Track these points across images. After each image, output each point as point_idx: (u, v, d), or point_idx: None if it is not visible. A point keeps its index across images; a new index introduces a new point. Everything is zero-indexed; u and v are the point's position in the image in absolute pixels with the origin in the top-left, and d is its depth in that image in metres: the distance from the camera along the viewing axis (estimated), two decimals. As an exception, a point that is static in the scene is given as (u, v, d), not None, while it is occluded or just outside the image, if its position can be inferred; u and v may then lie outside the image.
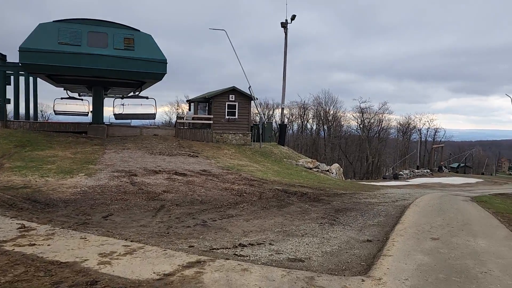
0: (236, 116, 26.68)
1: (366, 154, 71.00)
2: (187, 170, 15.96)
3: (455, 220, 9.70)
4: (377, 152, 71.29)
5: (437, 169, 69.41)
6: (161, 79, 22.49)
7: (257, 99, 26.21)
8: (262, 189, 12.97)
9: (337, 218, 9.48)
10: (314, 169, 26.17)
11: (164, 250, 6.08)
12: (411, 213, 10.58)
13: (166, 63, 21.84)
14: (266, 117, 76.85)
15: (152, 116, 27.71)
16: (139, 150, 20.50)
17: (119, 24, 21.87)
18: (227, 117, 26.52)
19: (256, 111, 26.21)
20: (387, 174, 61.75)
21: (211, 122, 26.29)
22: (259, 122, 27.73)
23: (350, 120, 75.54)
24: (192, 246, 6.45)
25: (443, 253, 6.43)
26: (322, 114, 74.12)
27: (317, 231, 8.04)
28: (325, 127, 75.02)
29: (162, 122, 70.74)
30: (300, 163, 25.59)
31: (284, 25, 28.16)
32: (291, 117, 77.04)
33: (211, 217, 8.86)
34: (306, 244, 6.99)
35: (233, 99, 26.53)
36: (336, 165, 32.01)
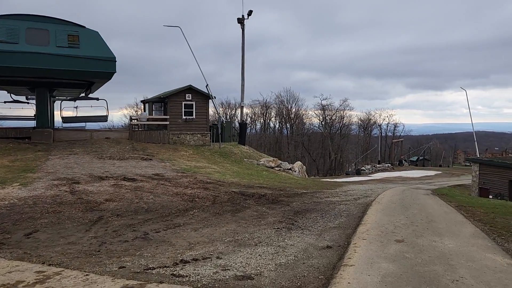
0: (194, 116, 25.57)
1: (328, 151, 71.54)
2: (138, 174, 14.79)
3: (419, 217, 9.20)
4: (339, 149, 72.01)
5: (397, 163, 70.96)
6: (110, 79, 21.06)
7: (215, 97, 25.31)
8: (217, 192, 12.04)
9: (295, 221, 8.72)
10: (276, 168, 25.52)
11: (86, 275, 5.06)
12: (373, 211, 10.01)
13: (115, 61, 20.44)
14: (228, 116, 75.88)
15: (103, 118, 26.08)
16: (88, 155, 19.03)
17: (62, 20, 20.26)
18: (184, 117, 25.37)
19: (215, 111, 25.28)
20: (350, 170, 62.41)
21: (167, 123, 25.06)
22: (217, 121, 26.73)
23: (312, 118, 75.98)
24: (123, 267, 5.45)
25: (409, 258, 5.77)
26: (284, 113, 74.00)
27: (273, 238, 7.23)
28: (288, 125, 74.91)
29: (122, 125, 68.24)
30: (261, 162, 24.86)
31: (240, 21, 27.34)
32: (253, 116, 76.54)
33: (155, 227, 7.86)
34: (259, 255, 6.15)
35: (190, 98, 25.41)
36: (298, 163, 31.56)
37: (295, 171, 28.44)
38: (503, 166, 26.13)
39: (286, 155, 68.96)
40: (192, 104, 25.49)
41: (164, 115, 25.67)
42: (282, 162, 27.38)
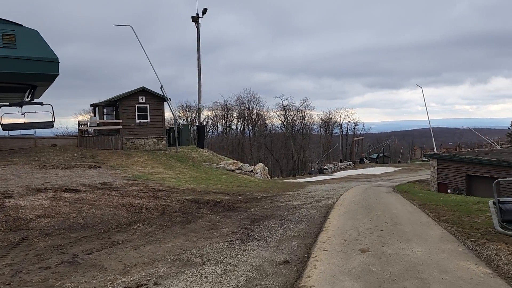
0: (148, 120, 24.26)
1: (291, 151, 71.50)
2: (83, 184, 13.47)
3: (383, 219, 8.62)
4: (301, 149, 72.16)
5: (358, 160, 71.96)
6: (52, 81, 19.39)
7: (170, 99, 24.10)
8: (168, 201, 11.02)
9: (252, 231, 7.89)
10: (237, 171, 24.67)
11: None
12: (336, 215, 9.35)
13: (58, 62, 18.80)
14: (189, 119, 74.28)
15: (49, 124, 24.16)
16: (29, 165, 17.39)
17: (-4, 18, 18.44)
18: (138, 120, 24.01)
19: (172, 113, 24.05)
20: (312, 169, 62.53)
21: (120, 127, 23.60)
22: (174, 124, 25.52)
23: (274, 118, 75.72)
24: (33, 305, 4.40)
25: (376, 272, 5.06)
26: (246, 114, 73.31)
27: (224, 253, 6.35)
28: (250, 126, 74.27)
29: (76, 132, 65.02)
30: (221, 165, 23.92)
31: (195, 19, 26.29)
32: (215, 119, 75.37)
33: (87, 248, 6.77)
34: (205, 277, 5.26)
35: (144, 101, 24.08)
36: (260, 164, 30.87)
37: (257, 173, 27.71)
38: (459, 160, 26.56)
39: (249, 157, 68.31)
40: (146, 107, 24.17)
41: (116, 119, 24.18)
42: (243, 165, 26.57)
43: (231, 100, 77.30)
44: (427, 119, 42.88)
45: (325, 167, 58.85)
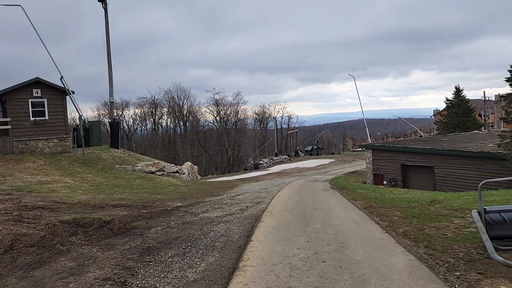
0: (47, 117, 20.29)
1: (225, 147, 68.89)
2: None
3: (324, 238, 6.32)
4: (236, 144, 69.76)
5: (294, 153, 71.27)
6: None
7: (73, 92, 20.29)
8: (33, 226, 7.88)
9: (134, 274, 5.17)
10: (158, 173, 21.58)
11: None
12: (262, 233, 6.91)
13: None
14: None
15: None
16: None
17: None
18: (33, 118, 19.96)
19: (76, 109, 20.35)
20: (248, 165, 60.43)
21: (9, 127, 19.42)
22: (78, 122, 21.76)
23: (206, 114, 72.51)
24: None
25: None
26: (176, 110, 69.32)
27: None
28: (181, 123, 70.45)
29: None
30: (138, 168, 20.69)
31: (102, -2, 22.53)
32: (143, 115, 70.48)
33: None
34: None
35: (39, 95, 20.06)
36: (188, 164, 27.93)
37: (183, 174, 24.78)
38: (394, 150, 25.64)
39: (181, 155, 64.64)
40: (43, 102, 20.17)
41: (3, 117, 19.93)
42: (166, 165, 23.50)
43: (159, 95, 72.91)
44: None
45: (261, 162, 57.10)
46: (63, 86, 20.18)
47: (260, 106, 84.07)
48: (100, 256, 6.06)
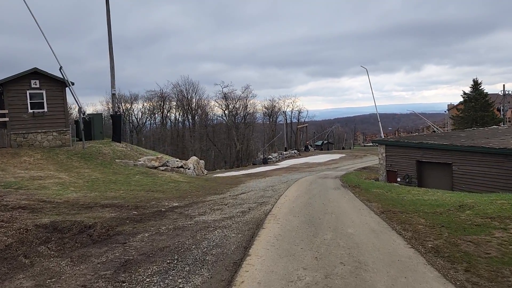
0: (46, 109, 19.46)
1: (234, 141, 67.86)
2: None
3: (336, 254, 5.24)
4: (245, 138, 68.61)
5: (303, 148, 69.98)
6: None
7: (73, 83, 19.41)
8: (1, 232, 6.93)
9: (100, 300, 4.17)
10: (161, 168, 20.67)
11: None
12: (262, 247, 5.85)
13: None
14: (123, 111, 68.12)
15: None
16: None
17: None
18: (31, 110, 19.15)
19: (75, 101, 19.45)
20: (256, 159, 59.36)
21: (6, 119, 18.64)
22: (79, 115, 20.90)
23: (215, 108, 71.44)
24: None
25: None
26: (185, 103, 68.40)
27: None
28: (189, 116, 69.54)
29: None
30: (140, 162, 19.79)
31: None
32: (152, 109, 69.70)
33: None
34: None
35: (38, 86, 19.22)
36: (193, 158, 27.00)
37: (188, 169, 23.86)
38: (409, 146, 24.31)
39: (190, 148, 63.77)
40: (42, 93, 19.33)
41: (0, 109, 19.14)
42: (170, 160, 22.59)
43: (167, 88, 71.91)
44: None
45: (270, 156, 55.98)
46: (62, 77, 19.31)
47: (270, 100, 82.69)
48: (67, 272, 5.08)
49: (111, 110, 67.54)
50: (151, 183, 14.77)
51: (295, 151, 63.38)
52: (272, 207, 9.50)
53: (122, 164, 18.52)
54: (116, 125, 21.82)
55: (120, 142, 21.76)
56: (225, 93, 66.92)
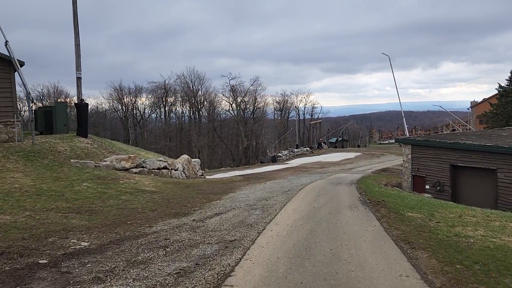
0: (-13, 95, 15.56)
1: (241, 137, 63.52)
2: None
3: None
4: (253, 134, 64.15)
5: (316, 145, 65.45)
6: None
7: (22, 64, 15.48)
8: None
9: None
10: (133, 170, 16.63)
11: None
12: None
13: None
14: (130, 104, 64.58)
15: None
16: None
17: None
18: (-32, 96, 15.26)
19: (23, 86, 15.54)
20: (264, 157, 54.97)
21: None
22: (27, 103, 16.90)
23: (223, 101, 67.13)
24: None
25: None
26: (190, 96, 64.28)
27: None
28: (194, 109, 65.41)
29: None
30: (105, 163, 15.76)
31: None
32: (157, 101, 65.83)
33: None
34: None
35: (-23, 65, 15.31)
36: (184, 157, 22.93)
37: (175, 170, 19.83)
38: (441, 146, 19.73)
39: (193, 144, 59.80)
40: (-18, 75, 15.42)
41: None
42: (149, 159, 18.50)
43: (170, 80, 67.70)
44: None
45: (279, 154, 51.65)
46: (8, 55, 15.36)
47: (281, 94, 77.94)
48: None
49: (116, 102, 64.40)
50: (95, 196, 10.66)
51: (308, 148, 58.94)
52: (242, 257, 5.31)
53: (78, 166, 14.49)
54: (82, 116, 17.81)
55: (86, 137, 17.74)
56: (233, 86, 62.56)
